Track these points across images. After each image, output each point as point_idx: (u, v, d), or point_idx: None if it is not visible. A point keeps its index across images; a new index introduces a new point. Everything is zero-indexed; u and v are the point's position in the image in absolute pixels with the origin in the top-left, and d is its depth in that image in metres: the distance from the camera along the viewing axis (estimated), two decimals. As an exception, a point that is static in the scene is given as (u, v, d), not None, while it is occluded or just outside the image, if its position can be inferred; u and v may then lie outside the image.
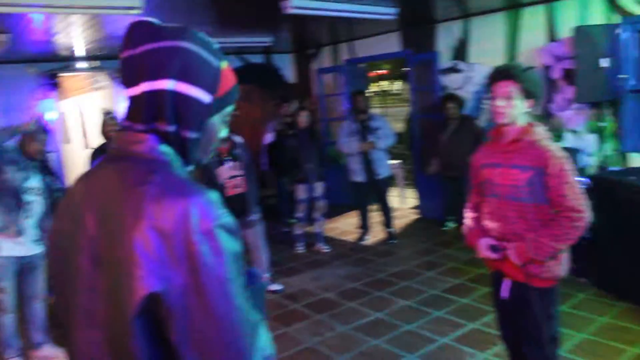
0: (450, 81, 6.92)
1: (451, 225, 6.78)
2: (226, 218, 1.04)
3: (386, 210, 6.53)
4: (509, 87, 2.47)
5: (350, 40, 8.23)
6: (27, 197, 3.90)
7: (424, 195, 7.60)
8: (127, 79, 1.15)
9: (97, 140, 5.22)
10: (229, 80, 1.21)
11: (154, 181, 1.04)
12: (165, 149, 1.13)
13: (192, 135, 1.16)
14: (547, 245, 2.42)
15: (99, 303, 1.06)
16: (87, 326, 1.09)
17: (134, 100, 1.15)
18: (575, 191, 2.43)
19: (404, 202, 8.26)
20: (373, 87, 22.43)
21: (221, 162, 4.73)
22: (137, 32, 1.13)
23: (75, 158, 7.45)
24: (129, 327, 1.01)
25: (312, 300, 4.93)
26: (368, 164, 6.24)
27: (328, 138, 8.39)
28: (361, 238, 6.65)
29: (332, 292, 5.10)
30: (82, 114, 9.75)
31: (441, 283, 5.06)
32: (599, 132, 5.48)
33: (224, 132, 1.25)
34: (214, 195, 1.06)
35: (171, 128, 1.13)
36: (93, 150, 4.95)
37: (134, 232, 0.99)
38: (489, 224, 2.66)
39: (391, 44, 7.64)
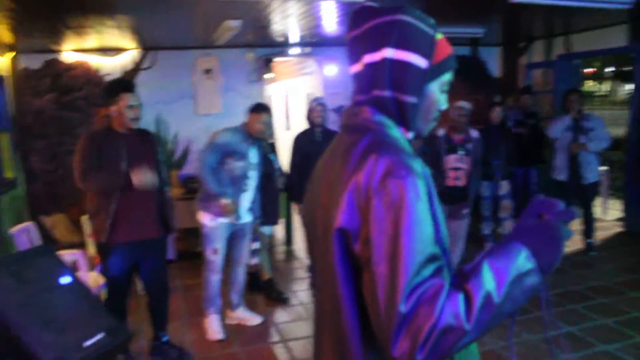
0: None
1: (668, 245, 6.05)
2: (415, 178, 1.05)
3: (588, 219, 6.02)
4: None
5: (566, 33, 7.61)
6: (248, 174, 4.16)
7: (634, 207, 6.82)
8: (352, 57, 1.25)
9: (302, 124, 5.44)
10: (444, 49, 1.24)
11: (361, 143, 1.14)
12: (379, 118, 1.20)
13: (410, 99, 1.20)
14: None
15: (327, 265, 1.16)
16: (321, 286, 1.22)
17: (357, 76, 1.24)
18: None
19: (605, 213, 7.55)
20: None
21: (452, 151, 4.76)
22: (360, 14, 1.24)
23: (277, 138, 7.92)
24: (334, 267, 1.12)
25: (498, 302, 4.71)
26: (576, 166, 5.78)
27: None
28: (556, 245, 6.17)
29: (520, 296, 4.83)
30: (286, 97, 10.36)
31: (648, 306, 4.53)
32: None
33: (444, 104, 1.28)
34: (414, 161, 1.08)
35: (387, 93, 1.19)
36: (297, 135, 5.10)
37: (343, 188, 1.10)
38: None
39: (615, 37, 6.86)
